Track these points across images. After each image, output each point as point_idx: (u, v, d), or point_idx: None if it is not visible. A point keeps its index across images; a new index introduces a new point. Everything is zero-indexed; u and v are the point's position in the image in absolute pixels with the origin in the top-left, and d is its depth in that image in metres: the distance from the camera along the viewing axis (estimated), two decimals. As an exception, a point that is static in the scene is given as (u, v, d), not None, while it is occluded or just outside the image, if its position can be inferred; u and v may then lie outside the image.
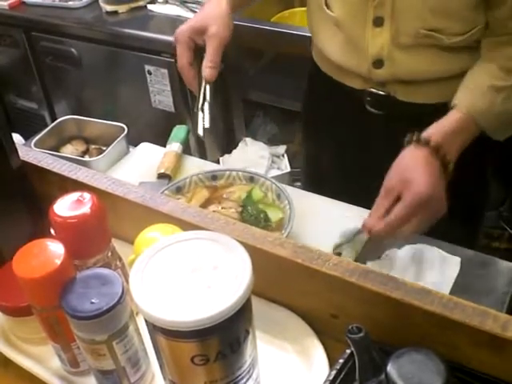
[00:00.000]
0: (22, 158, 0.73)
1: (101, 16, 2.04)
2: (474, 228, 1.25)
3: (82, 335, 0.55)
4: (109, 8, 2.03)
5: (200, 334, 0.46)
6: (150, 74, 1.94)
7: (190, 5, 2.00)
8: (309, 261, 0.59)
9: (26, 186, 0.73)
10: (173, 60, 1.88)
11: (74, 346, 0.60)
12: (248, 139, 2.08)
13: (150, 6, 2.04)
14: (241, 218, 1.01)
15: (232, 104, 2.09)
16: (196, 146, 2.04)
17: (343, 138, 1.18)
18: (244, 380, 0.52)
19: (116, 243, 0.66)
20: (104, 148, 1.28)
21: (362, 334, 0.49)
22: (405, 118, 1.03)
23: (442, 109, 0.93)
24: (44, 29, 2.11)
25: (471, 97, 0.92)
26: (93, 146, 1.33)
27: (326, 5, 1.03)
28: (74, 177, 0.74)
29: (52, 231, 0.63)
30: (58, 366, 0.64)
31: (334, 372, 0.52)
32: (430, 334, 0.53)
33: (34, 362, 0.65)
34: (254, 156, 2.02)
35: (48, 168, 0.76)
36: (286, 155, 2.12)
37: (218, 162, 1.38)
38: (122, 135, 1.26)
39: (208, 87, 0.97)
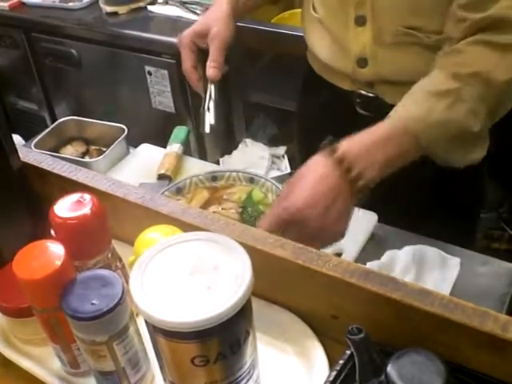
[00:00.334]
0: (22, 159, 0.73)
1: (101, 17, 2.04)
2: (471, 228, 1.25)
3: (83, 336, 0.55)
4: (109, 9, 2.03)
5: (200, 335, 0.46)
6: (150, 74, 1.94)
7: (190, 6, 2.00)
8: (309, 262, 0.59)
9: (26, 187, 0.73)
10: (173, 61, 1.88)
11: (74, 347, 0.60)
12: (248, 140, 2.08)
13: (150, 7, 2.04)
14: (241, 218, 1.01)
15: (232, 105, 2.09)
16: (196, 147, 2.04)
17: (335, 140, 1.18)
18: (244, 381, 0.52)
19: (116, 244, 0.66)
20: (104, 149, 1.28)
21: (362, 335, 0.49)
22: None
23: None
24: (44, 30, 2.11)
25: (408, 104, 0.81)
26: (93, 147, 1.33)
27: (313, 6, 1.06)
28: (74, 178, 0.74)
29: (52, 232, 0.63)
30: (58, 367, 0.64)
31: (334, 373, 0.52)
32: (430, 335, 0.53)
33: (34, 363, 0.65)
34: (254, 157, 2.02)
35: (48, 169, 0.76)
36: (286, 156, 2.12)
37: (218, 162, 1.38)
38: (122, 136, 1.26)
39: (213, 87, 0.99)
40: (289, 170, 2.04)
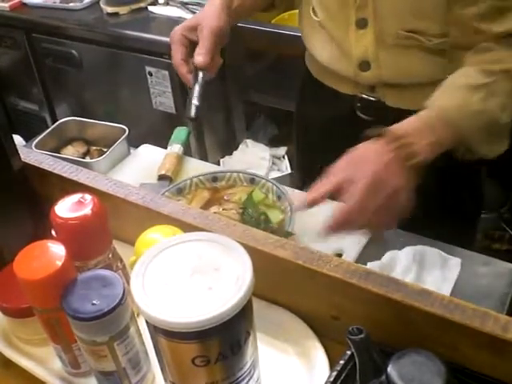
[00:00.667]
0: (23, 160, 0.73)
1: (101, 17, 2.04)
2: (471, 229, 1.24)
3: (83, 336, 0.55)
4: (110, 9, 2.03)
5: (201, 336, 0.46)
6: (150, 75, 1.94)
7: (190, 6, 2.00)
8: (309, 262, 0.60)
9: (26, 187, 0.73)
10: (173, 61, 1.88)
11: (74, 347, 0.60)
12: (249, 141, 2.09)
13: (150, 8, 2.04)
14: (241, 219, 1.01)
15: (232, 105, 2.09)
16: (197, 148, 2.04)
17: (334, 144, 1.17)
18: (245, 381, 0.52)
19: (117, 245, 0.66)
20: (105, 149, 1.28)
21: (362, 336, 0.49)
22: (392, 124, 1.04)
23: None
24: (45, 30, 2.11)
25: (443, 95, 0.86)
26: (93, 148, 1.33)
27: (313, 10, 1.05)
28: (74, 178, 0.74)
29: (53, 233, 0.63)
30: (58, 367, 0.64)
31: (334, 373, 0.52)
32: (430, 336, 0.53)
33: (34, 363, 0.65)
34: (255, 157, 2.02)
35: (49, 169, 0.77)
36: (286, 157, 2.12)
37: (218, 163, 1.38)
38: (123, 137, 1.26)
39: (201, 74, 0.99)
40: (289, 171, 2.04)
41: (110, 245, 0.64)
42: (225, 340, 0.48)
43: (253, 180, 1.08)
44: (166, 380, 0.54)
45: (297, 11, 2.04)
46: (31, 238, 0.59)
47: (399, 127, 0.82)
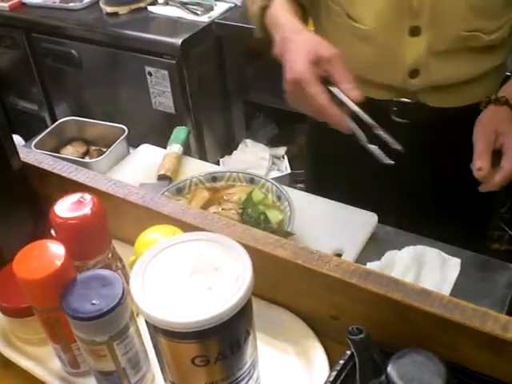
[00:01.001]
0: (22, 160, 0.73)
1: (101, 17, 2.05)
2: (477, 229, 1.24)
3: (83, 336, 0.55)
4: (109, 9, 2.03)
5: (200, 335, 0.46)
6: (150, 75, 1.94)
7: (190, 6, 2.00)
8: (309, 262, 0.60)
9: (26, 187, 0.73)
10: (173, 61, 1.88)
11: (74, 346, 0.60)
12: (248, 140, 2.09)
13: (150, 8, 2.05)
14: (241, 219, 1.01)
15: (232, 105, 2.10)
16: (196, 148, 2.04)
17: (348, 150, 1.13)
18: (244, 381, 0.52)
19: (116, 244, 0.66)
20: (104, 149, 1.28)
21: (362, 336, 0.49)
22: (429, 124, 1.03)
23: (468, 111, 0.94)
24: (44, 30, 2.11)
25: None
26: (93, 148, 1.33)
27: (351, 18, 0.97)
28: (74, 178, 0.74)
29: (52, 232, 0.63)
30: (58, 366, 0.64)
31: (334, 373, 0.52)
32: (430, 336, 0.53)
33: (34, 362, 0.65)
34: (255, 157, 2.02)
35: (49, 169, 0.76)
36: (286, 157, 2.12)
37: (218, 163, 1.38)
38: (123, 136, 1.26)
39: (360, 110, 0.82)
40: (289, 171, 2.04)
41: (110, 244, 0.64)
42: (224, 340, 0.48)
43: (252, 180, 1.08)
44: (165, 380, 0.54)
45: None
46: (31, 237, 0.59)
47: (510, 91, 0.93)
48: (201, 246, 0.52)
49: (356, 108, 0.82)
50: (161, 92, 1.96)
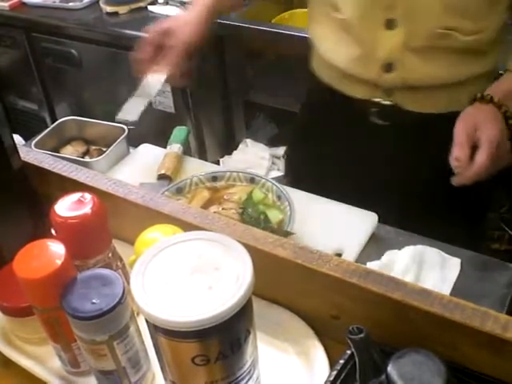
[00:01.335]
0: (22, 159, 0.73)
1: (101, 17, 2.04)
2: (477, 229, 1.24)
3: (83, 335, 0.55)
4: (109, 9, 2.03)
5: (201, 335, 0.46)
6: (150, 74, 1.93)
7: (190, 6, 2.00)
8: (309, 262, 0.60)
9: (26, 186, 0.73)
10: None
11: (74, 346, 0.60)
12: (248, 140, 2.09)
13: (150, 7, 2.04)
14: (241, 219, 1.01)
15: (232, 105, 2.09)
16: (196, 147, 2.04)
17: (344, 151, 1.16)
18: (245, 380, 0.52)
19: (117, 244, 0.66)
20: (104, 149, 1.28)
21: (362, 335, 0.49)
22: (410, 129, 1.03)
23: (450, 119, 0.93)
24: (44, 30, 2.11)
25: None
26: (93, 147, 1.33)
27: (336, 8, 1.01)
28: (74, 177, 0.74)
29: (53, 232, 0.63)
30: (58, 366, 0.64)
31: (334, 373, 0.52)
32: (430, 335, 0.53)
33: (34, 362, 0.65)
34: (255, 157, 2.02)
35: (49, 169, 0.76)
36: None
37: (218, 162, 1.38)
38: (123, 136, 1.26)
39: (159, 82, 1.02)
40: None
41: (110, 244, 0.64)
42: (225, 339, 0.48)
43: (252, 179, 1.08)
44: (165, 379, 0.54)
45: (297, 11, 2.05)
46: (31, 237, 0.59)
47: (497, 92, 0.94)
48: (201, 245, 0.52)
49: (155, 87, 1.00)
50: (161, 92, 1.95)
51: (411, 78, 1.00)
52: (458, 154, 0.89)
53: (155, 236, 0.63)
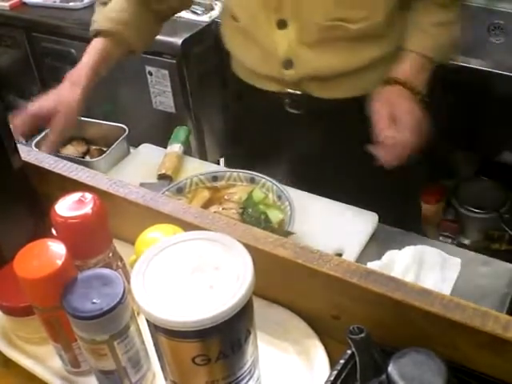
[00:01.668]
0: (23, 159, 0.73)
1: (101, 17, 2.04)
2: (414, 203, 1.31)
3: (83, 335, 0.55)
4: (109, 9, 2.03)
5: (201, 334, 0.46)
6: (150, 74, 1.94)
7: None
8: (310, 261, 0.60)
9: (27, 186, 0.73)
10: (174, 61, 1.88)
11: (75, 346, 0.60)
12: (248, 140, 2.08)
13: (150, 7, 2.04)
14: (241, 219, 1.01)
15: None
16: (197, 147, 2.04)
17: (271, 143, 1.22)
18: (245, 380, 0.52)
19: (117, 244, 0.66)
20: (105, 149, 1.28)
21: (363, 335, 0.49)
22: (325, 115, 1.09)
23: (361, 102, 0.99)
24: (45, 29, 2.11)
25: (420, 38, 1.04)
26: (93, 147, 1.33)
27: (235, 17, 1.09)
28: (75, 177, 0.74)
29: (53, 231, 0.63)
30: (58, 366, 0.64)
31: (334, 372, 0.52)
32: (430, 335, 0.53)
33: (34, 361, 0.65)
34: (255, 157, 2.01)
35: (49, 168, 0.76)
36: (286, 156, 2.10)
37: (218, 162, 1.38)
38: (123, 136, 1.26)
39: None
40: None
41: (111, 244, 0.64)
42: (225, 339, 0.48)
43: (253, 179, 1.08)
44: (166, 379, 0.54)
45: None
46: (31, 236, 0.59)
47: (401, 73, 1.02)
48: (201, 245, 0.52)
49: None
50: (161, 91, 1.95)
51: (311, 71, 1.05)
52: (382, 126, 0.95)
53: (156, 236, 0.63)
